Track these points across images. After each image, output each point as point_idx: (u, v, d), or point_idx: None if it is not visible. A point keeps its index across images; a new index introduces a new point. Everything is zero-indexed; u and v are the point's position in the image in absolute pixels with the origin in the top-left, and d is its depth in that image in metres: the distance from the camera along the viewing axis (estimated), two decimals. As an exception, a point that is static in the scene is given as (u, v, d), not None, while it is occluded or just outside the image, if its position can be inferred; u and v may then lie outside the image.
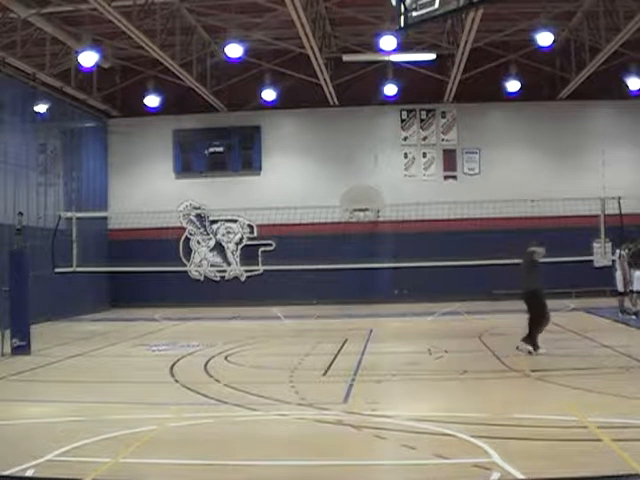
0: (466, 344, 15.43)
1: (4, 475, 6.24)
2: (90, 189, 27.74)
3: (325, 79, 25.35)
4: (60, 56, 23.60)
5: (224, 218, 28.92)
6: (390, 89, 27.49)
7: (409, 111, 28.84)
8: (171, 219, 27.59)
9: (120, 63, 27.04)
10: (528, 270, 13.53)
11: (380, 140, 28.70)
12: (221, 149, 28.98)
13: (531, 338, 13.11)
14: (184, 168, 29.23)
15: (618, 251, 19.84)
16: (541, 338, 16.20)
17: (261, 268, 27.41)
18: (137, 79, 27.84)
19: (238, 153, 29.11)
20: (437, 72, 26.93)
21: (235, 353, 14.84)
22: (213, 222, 29.23)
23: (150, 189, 28.70)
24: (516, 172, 27.84)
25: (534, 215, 24.91)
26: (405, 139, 28.86)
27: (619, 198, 19.25)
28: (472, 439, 7.14)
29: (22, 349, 14.61)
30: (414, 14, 8.74)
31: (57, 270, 20.01)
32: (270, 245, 28.20)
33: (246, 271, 28.53)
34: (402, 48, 23.81)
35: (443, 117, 28.75)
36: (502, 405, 8.94)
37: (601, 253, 20.43)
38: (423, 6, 8.62)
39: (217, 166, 28.95)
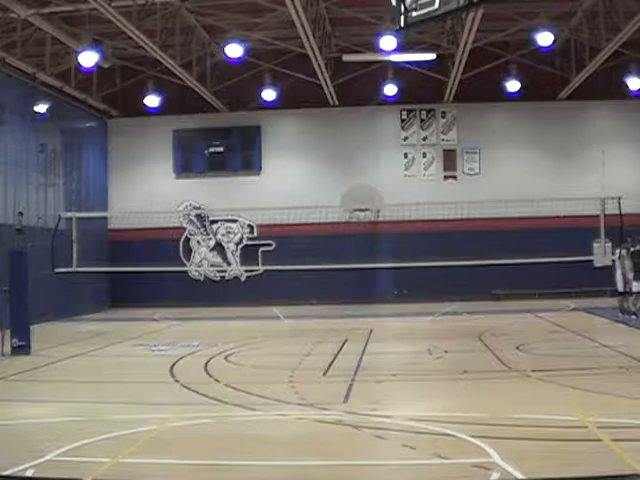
0: (466, 344, 15.42)
1: (4, 475, 6.24)
2: (90, 189, 27.74)
3: (325, 79, 25.34)
4: (60, 56, 23.60)
5: (224, 218, 28.92)
6: (390, 89, 27.49)
7: (409, 111, 28.83)
8: (171, 219, 27.59)
9: (120, 63, 27.01)
10: None
11: (380, 140, 28.71)
12: (221, 149, 28.97)
13: None
14: (184, 168, 29.23)
15: (618, 251, 19.85)
16: (542, 338, 16.26)
17: (261, 268, 27.40)
18: (137, 79, 27.83)
19: (238, 153, 29.11)
20: (437, 72, 26.91)
21: (235, 353, 14.84)
22: (213, 222, 29.23)
23: (150, 189, 28.69)
24: (516, 172, 27.83)
25: (534, 215, 24.92)
26: (405, 139, 28.85)
27: (619, 198, 19.27)
28: (472, 439, 7.14)
29: (22, 349, 14.61)
30: (414, 14, 8.73)
31: (57, 270, 20.01)
32: (270, 245, 28.20)
33: (246, 271, 28.52)
34: (402, 48, 23.80)
35: (443, 117, 28.74)
36: (502, 405, 8.93)
37: (601, 253, 20.42)
38: (423, 6, 8.61)
39: (217, 166, 28.94)
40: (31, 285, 15.50)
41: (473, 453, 6.75)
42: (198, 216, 29.12)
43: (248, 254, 28.62)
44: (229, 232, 29.15)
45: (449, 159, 28.73)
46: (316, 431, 8.00)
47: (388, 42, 22.23)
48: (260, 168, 29.08)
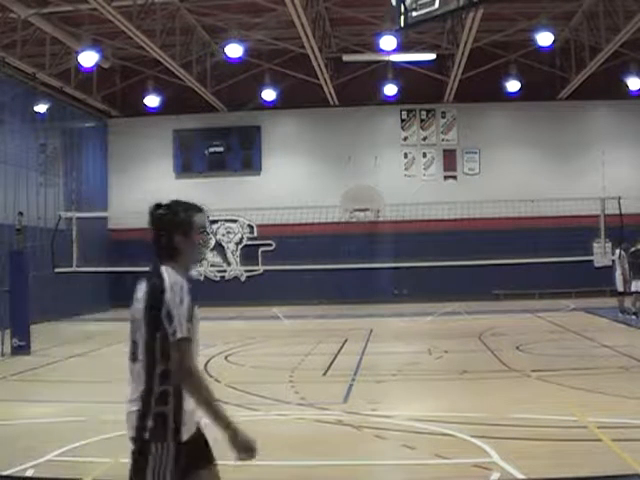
0: (466, 344, 15.42)
1: (4, 475, 6.24)
2: (90, 189, 27.73)
3: (325, 79, 25.34)
4: (60, 56, 23.58)
5: (224, 218, 28.90)
6: (390, 89, 27.49)
7: (409, 111, 28.83)
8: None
9: (120, 63, 27.02)
10: None
11: (380, 140, 28.70)
12: (221, 149, 28.97)
13: None
14: (184, 168, 29.23)
15: (618, 251, 19.85)
16: (541, 338, 16.26)
17: (261, 268, 27.40)
18: (137, 79, 27.82)
19: (238, 153, 29.11)
20: (437, 72, 26.92)
21: (235, 353, 14.84)
22: (213, 222, 29.21)
23: (150, 189, 28.55)
24: (516, 172, 27.82)
25: (534, 215, 24.92)
26: (405, 139, 28.85)
27: (619, 198, 19.24)
28: (472, 439, 7.14)
29: (22, 349, 14.62)
30: (414, 14, 8.74)
31: (57, 270, 20.00)
32: (270, 245, 28.20)
33: (246, 271, 28.52)
34: (402, 48, 23.79)
35: (443, 117, 28.74)
36: (502, 405, 8.94)
37: (601, 253, 20.42)
38: (423, 6, 8.62)
39: (217, 166, 28.94)
40: (31, 285, 15.51)
41: (473, 453, 6.75)
42: (198, 216, 29.07)
43: (248, 254, 28.63)
44: (229, 232, 29.15)
45: (449, 159, 28.73)
46: (316, 431, 7.99)
47: (388, 42, 22.21)
48: (260, 168, 29.08)
